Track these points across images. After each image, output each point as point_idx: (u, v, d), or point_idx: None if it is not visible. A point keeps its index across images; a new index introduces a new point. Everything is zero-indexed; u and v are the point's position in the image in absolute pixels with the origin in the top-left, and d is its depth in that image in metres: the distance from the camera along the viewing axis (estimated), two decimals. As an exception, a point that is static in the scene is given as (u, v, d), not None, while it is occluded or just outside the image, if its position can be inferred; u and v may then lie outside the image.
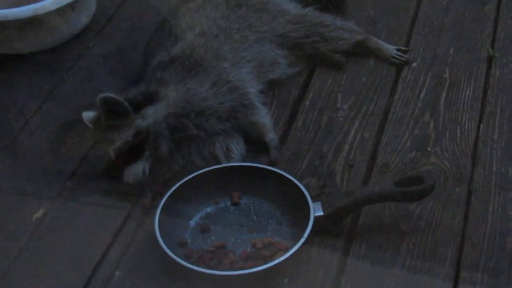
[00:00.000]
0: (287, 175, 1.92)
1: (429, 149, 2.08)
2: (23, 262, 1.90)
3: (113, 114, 2.00)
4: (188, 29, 2.29)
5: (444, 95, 2.25)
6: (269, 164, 2.04)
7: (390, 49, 2.41)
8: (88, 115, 2.07)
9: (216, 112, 2.12)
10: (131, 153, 2.02)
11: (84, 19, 2.62)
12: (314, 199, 1.87)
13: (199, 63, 2.18)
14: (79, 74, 2.49)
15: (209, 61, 2.19)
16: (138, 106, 2.04)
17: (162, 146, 2.05)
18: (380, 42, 2.43)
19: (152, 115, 2.04)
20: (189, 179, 1.94)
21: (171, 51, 2.23)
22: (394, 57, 2.39)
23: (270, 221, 1.91)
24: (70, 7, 2.50)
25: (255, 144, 2.14)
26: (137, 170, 2.02)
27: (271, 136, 2.14)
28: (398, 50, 2.40)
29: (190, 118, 2.09)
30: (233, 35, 2.29)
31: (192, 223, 1.92)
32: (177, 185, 1.93)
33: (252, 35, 2.31)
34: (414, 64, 2.37)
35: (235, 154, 2.09)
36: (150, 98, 2.06)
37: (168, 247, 1.77)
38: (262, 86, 2.29)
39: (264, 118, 2.17)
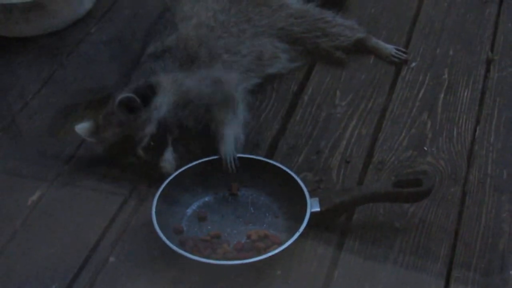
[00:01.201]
0: (286, 169, 1.93)
1: (425, 148, 2.10)
2: (17, 244, 1.89)
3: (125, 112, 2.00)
4: (186, 19, 2.29)
5: (442, 95, 2.27)
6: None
7: (390, 48, 2.42)
8: (82, 128, 2.05)
9: (195, 110, 2.07)
10: (154, 144, 2.01)
11: (87, 4, 2.62)
12: (311, 194, 1.87)
13: (192, 59, 2.19)
14: (79, 59, 2.49)
15: (202, 59, 2.19)
16: (143, 98, 2.01)
17: (175, 132, 2.05)
18: (380, 41, 2.44)
19: (163, 103, 2.03)
20: (188, 168, 1.95)
21: (165, 41, 2.23)
22: (393, 56, 2.40)
23: (267, 214, 1.92)
24: (72, -9, 2.51)
25: (251, 135, 2.15)
26: (171, 158, 2.00)
27: (226, 131, 2.04)
28: (398, 50, 2.42)
29: (178, 109, 2.09)
30: (230, 28, 2.29)
31: (189, 211, 1.93)
32: (176, 173, 1.94)
33: (250, 29, 2.31)
34: (414, 64, 2.38)
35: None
36: (151, 89, 2.05)
37: (164, 234, 1.78)
38: (259, 80, 2.30)
39: (230, 116, 2.07)
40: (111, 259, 1.84)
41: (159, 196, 1.87)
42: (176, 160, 2.01)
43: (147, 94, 2.02)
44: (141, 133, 2.00)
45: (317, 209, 1.84)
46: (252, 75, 2.28)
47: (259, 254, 1.77)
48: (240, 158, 1.99)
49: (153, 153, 2.01)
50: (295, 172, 1.94)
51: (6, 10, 2.44)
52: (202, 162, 1.98)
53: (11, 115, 2.28)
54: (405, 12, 2.58)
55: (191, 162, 1.99)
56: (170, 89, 2.07)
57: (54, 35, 2.55)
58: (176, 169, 1.98)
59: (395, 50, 2.41)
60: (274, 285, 1.77)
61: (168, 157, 2.01)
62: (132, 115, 1.99)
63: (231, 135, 2.04)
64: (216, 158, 1.99)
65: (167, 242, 1.76)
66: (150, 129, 2.00)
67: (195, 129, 2.08)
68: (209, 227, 1.89)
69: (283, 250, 1.75)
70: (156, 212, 1.83)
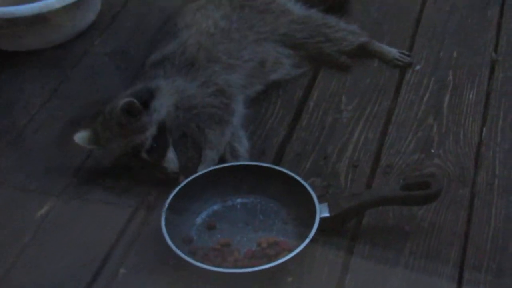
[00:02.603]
0: (294, 175, 1.93)
1: (432, 151, 2.10)
2: (27, 259, 1.90)
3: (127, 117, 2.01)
4: (186, 27, 2.30)
5: (447, 98, 2.27)
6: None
7: (393, 51, 2.42)
8: (81, 137, 2.06)
9: (198, 116, 2.12)
10: (157, 146, 2.03)
11: (89, 17, 2.64)
12: (319, 199, 1.87)
13: (190, 62, 2.20)
14: (83, 71, 2.50)
15: (201, 62, 2.20)
16: (143, 102, 2.03)
17: (175, 134, 2.08)
18: (383, 45, 2.44)
19: (162, 106, 2.05)
20: (196, 177, 1.95)
21: (164, 50, 2.25)
22: (397, 59, 2.40)
23: (276, 221, 1.92)
24: (75, 5, 2.50)
25: (258, 143, 2.16)
26: (173, 157, 2.03)
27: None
28: (401, 53, 2.42)
29: (180, 112, 2.10)
30: (231, 34, 2.29)
31: (198, 220, 1.93)
32: (184, 182, 1.93)
33: (252, 35, 2.32)
34: (418, 67, 2.39)
35: (241, 153, 2.09)
36: (150, 93, 2.07)
37: (174, 244, 1.78)
38: (263, 87, 2.30)
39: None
40: (122, 270, 1.84)
41: (168, 206, 1.87)
42: (178, 158, 2.04)
43: (146, 98, 2.04)
44: (142, 136, 2.00)
45: (327, 214, 1.83)
46: (255, 82, 2.28)
47: (270, 261, 1.77)
48: (247, 165, 2.00)
49: (157, 155, 2.02)
50: (303, 178, 1.94)
51: (11, 24, 2.45)
52: (209, 170, 1.98)
53: (17, 129, 2.29)
54: (408, 16, 2.58)
55: (190, 169, 2.00)
56: (168, 92, 2.09)
57: (58, 48, 2.57)
58: (179, 168, 2.01)
59: (399, 54, 2.41)
60: (286, 292, 1.77)
61: (171, 156, 2.03)
62: (133, 118, 1.99)
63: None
64: (223, 166, 2.00)
65: (178, 252, 1.76)
66: (151, 131, 2.01)
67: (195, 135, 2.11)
68: (218, 236, 1.89)
69: (293, 257, 1.75)
70: (165, 223, 1.83)
